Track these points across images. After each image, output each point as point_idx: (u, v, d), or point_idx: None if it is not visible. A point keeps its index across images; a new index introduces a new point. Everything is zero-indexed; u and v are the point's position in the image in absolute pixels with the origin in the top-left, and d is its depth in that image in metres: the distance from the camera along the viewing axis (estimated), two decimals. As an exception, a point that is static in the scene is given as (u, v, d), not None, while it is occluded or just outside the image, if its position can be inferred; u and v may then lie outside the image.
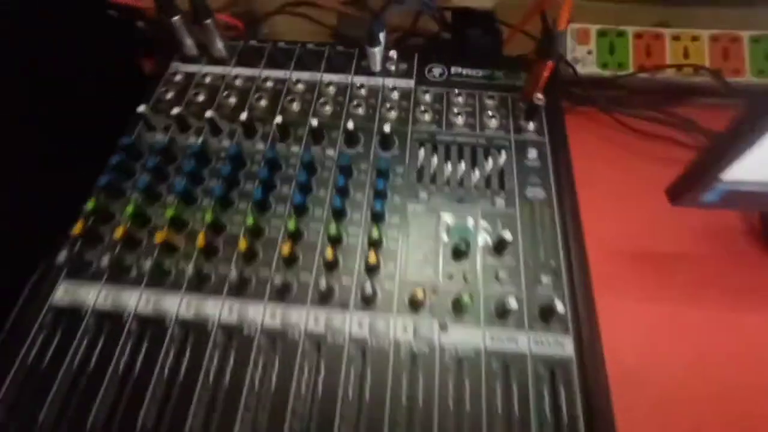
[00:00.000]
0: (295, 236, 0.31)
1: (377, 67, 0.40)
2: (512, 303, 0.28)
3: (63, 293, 0.30)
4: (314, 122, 0.35)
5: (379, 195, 0.32)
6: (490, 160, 0.36)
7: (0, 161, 0.31)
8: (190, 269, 0.30)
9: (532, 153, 0.36)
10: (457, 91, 0.40)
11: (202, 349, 0.28)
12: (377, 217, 0.32)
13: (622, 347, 0.30)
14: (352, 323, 0.29)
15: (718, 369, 0.35)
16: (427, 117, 0.38)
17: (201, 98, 0.39)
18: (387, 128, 0.35)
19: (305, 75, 0.41)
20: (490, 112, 0.38)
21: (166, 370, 0.27)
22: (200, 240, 0.30)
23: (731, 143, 0.30)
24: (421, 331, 0.29)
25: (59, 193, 0.32)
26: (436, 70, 0.42)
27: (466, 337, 0.28)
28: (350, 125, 0.35)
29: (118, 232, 0.30)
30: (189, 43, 0.41)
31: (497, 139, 0.37)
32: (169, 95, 0.39)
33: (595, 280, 0.30)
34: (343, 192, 0.32)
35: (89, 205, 0.31)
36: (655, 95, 0.51)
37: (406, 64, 0.42)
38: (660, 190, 0.36)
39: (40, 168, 0.34)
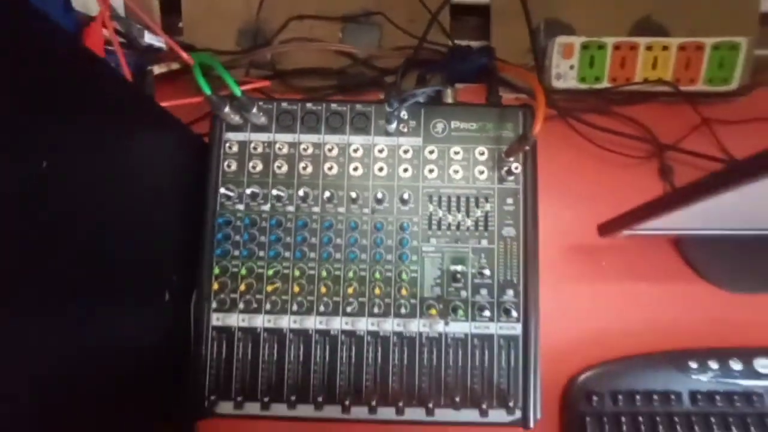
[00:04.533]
0: (355, 279, 0.49)
1: (392, 130, 0.50)
2: (487, 309, 0.48)
3: (215, 320, 0.50)
4: (378, 193, 0.48)
5: (404, 251, 0.49)
6: (479, 209, 0.50)
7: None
8: (293, 301, 0.49)
9: (510, 201, 0.51)
10: (455, 149, 0.51)
11: (308, 344, 0.49)
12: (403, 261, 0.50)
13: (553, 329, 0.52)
14: (394, 325, 0.49)
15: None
16: (434, 174, 0.51)
17: (258, 168, 0.51)
18: (405, 197, 0.49)
19: (335, 138, 0.51)
20: (480, 168, 0.51)
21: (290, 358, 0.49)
22: (296, 288, 0.48)
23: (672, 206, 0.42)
24: (434, 326, 0.50)
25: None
26: (440, 126, 0.52)
27: (460, 327, 0.49)
28: (379, 195, 0.49)
29: (243, 287, 0.48)
30: (234, 117, 0.49)
31: (485, 190, 0.51)
32: (232, 167, 0.51)
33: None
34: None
35: (216, 270, 0.48)
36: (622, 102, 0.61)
37: (414, 122, 0.51)
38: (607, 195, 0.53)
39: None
